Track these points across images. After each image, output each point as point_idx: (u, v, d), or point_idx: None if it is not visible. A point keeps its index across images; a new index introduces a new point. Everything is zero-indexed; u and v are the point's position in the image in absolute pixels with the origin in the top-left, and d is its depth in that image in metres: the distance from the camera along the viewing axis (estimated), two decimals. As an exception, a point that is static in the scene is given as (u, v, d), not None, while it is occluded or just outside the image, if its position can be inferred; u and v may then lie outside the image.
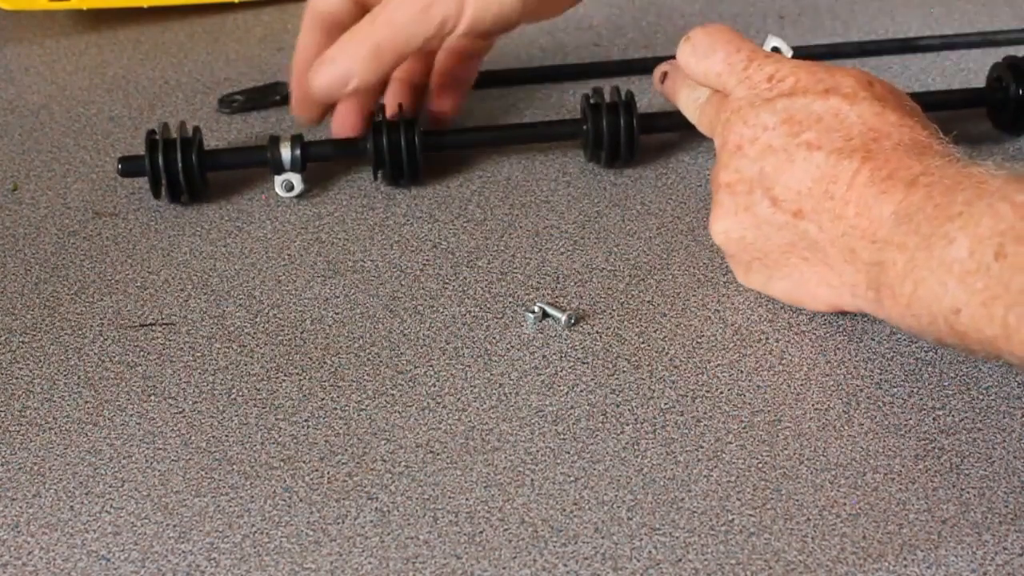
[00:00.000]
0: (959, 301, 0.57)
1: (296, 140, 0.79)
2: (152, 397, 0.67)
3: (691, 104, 0.74)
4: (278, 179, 0.79)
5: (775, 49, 0.71)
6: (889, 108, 0.66)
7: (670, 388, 0.66)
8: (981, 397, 0.65)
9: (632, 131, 0.80)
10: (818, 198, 0.64)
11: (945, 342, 0.60)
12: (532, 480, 0.61)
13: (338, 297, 0.73)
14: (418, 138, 0.79)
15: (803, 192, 0.65)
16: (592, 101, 0.81)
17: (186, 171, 0.78)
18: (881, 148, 0.64)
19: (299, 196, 0.80)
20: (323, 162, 0.81)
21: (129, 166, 0.79)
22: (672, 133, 0.84)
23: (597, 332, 0.70)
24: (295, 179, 0.79)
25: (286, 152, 0.79)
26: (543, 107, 0.90)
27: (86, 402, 0.67)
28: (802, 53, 0.93)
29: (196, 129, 0.80)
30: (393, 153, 0.79)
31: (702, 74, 0.71)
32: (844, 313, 0.69)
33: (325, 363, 0.69)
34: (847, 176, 0.63)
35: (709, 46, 0.70)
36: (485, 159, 0.84)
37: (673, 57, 0.73)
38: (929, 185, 0.61)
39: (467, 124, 0.87)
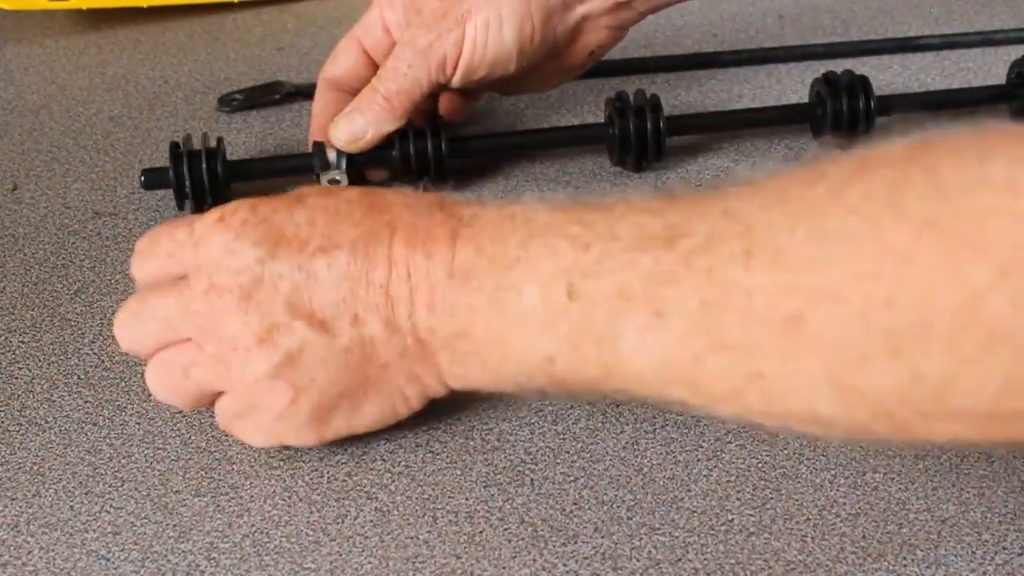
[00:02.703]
0: (551, 350, 0.54)
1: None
2: (152, 397, 0.67)
3: None
4: (324, 176, 0.79)
5: None
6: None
7: (670, 388, 0.66)
8: (981, 397, 0.65)
9: (659, 133, 0.80)
10: (361, 296, 0.57)
11: (548, 393, 0.56)
12: (532, 480, 0.61)
13: (338, 297, 0.73)
14: (445, 144, 0.79)
15: (341, 299, 0.57)
16: (617, 105, 0.81)
17: (212, 182, 0.78)
18: (391, 219, 0.57)
19: None
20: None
21: (152, 178, 0.79)
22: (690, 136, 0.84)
23: (597, 332, 0.70)
24: (340, 176, 0.79)
25: (332, 154, 0.79)
26: (543, 107, 0.90)
27: (86, 402, 0.67)
28: (802, 53, 0.94)
29: (220, 140, 0.79)
30: (420, 160, 0.79)
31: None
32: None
33: (325, 363, 0.68)
34: (383, 256, 0.57)
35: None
36: (482, 158, 0.84)
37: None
38: (473, 237, 0.56)
39: (472, 126, 0.87)
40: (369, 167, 0.80)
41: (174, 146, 0.78)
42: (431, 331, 0.57)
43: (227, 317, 0.58)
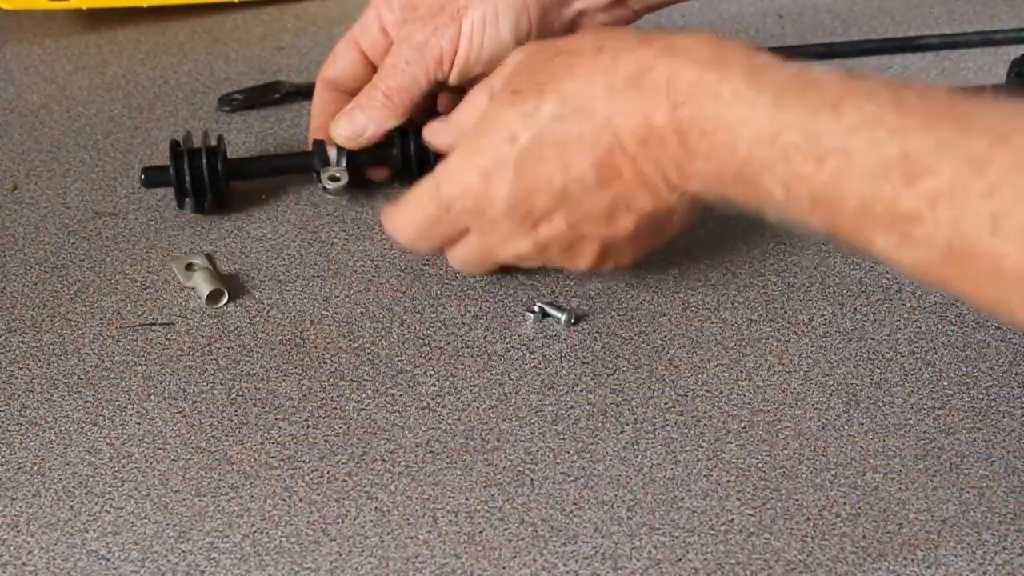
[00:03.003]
0: (803, 221, 0.59)
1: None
2: (152, 397, 0.67)
3: None
4: (324, 173, 0.79)
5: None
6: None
7: (670, 388, 0.66)
8: (981, 397, 0.65)
9: None
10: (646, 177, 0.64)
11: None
12: (532, 480, 0.61)
13: (338, 297, 0.73)
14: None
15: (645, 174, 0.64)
16: None
17: (212, 179, 0.78)
18: (605, 117, 0.64)
19: (338, 191, 0.79)
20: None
21: (152, 176, 0.79)
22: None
23: (597, 332, 0.70)
24: (340, 173, 0.79)
25: (332, 151, 0.79)
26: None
27: (86, 402, 0.67)
28: (803, 53, 0.94)
29: (220, 138, 0.79)
30: (420, 158, 0.79)
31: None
32: (842, 309, 0.69)
33: (325, 363, 0.69)
34: (619, 159, 0.64)
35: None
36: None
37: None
38: (696, 124, 0.61)
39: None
40: (369, 166, 0.80)
41: (174, 144, 0.78)
42: (688, 193, 0.64)
43: (587, 198, 0.65)
